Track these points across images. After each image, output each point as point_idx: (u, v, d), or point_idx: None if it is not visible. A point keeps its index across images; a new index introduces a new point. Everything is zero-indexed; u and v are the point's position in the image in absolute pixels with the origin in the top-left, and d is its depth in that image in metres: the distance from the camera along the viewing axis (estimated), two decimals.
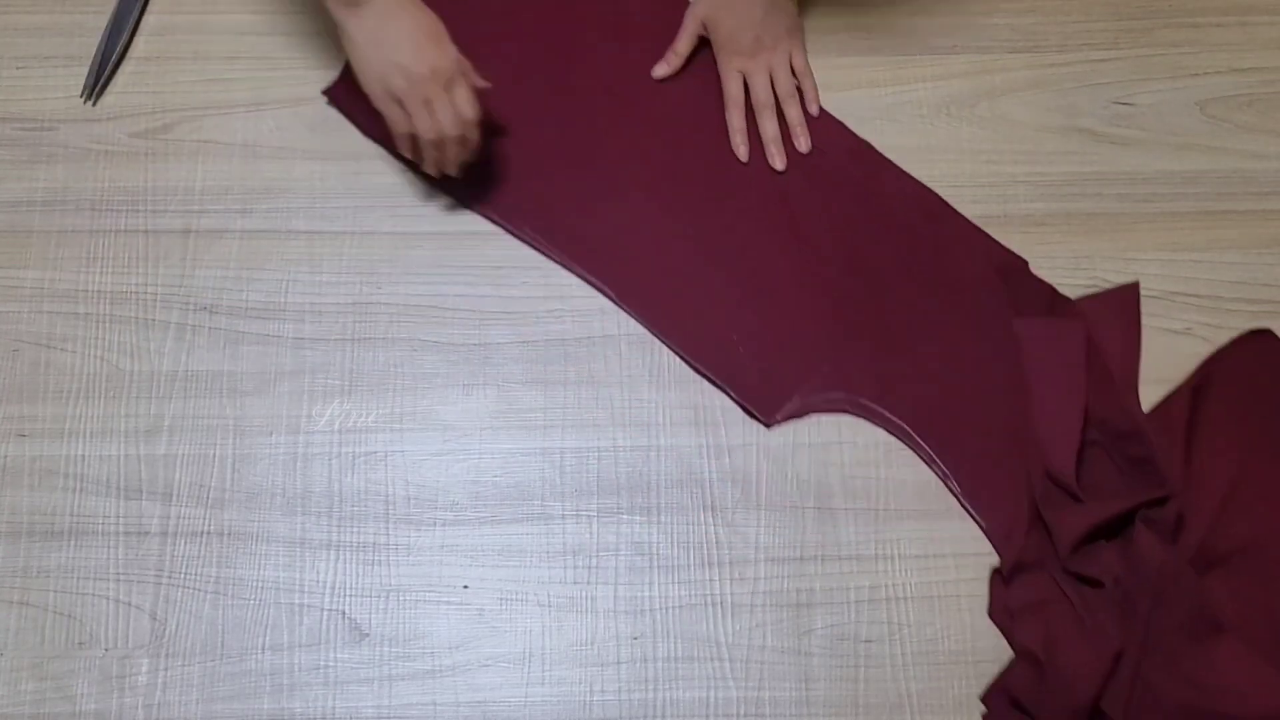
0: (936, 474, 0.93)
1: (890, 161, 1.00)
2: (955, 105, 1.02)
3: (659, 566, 0.91)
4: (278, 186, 0.99)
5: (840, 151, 1.00)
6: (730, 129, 0.99)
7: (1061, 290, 0.97)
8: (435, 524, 0.91)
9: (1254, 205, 1.00)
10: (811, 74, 1.01)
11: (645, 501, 0.92)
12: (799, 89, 1.00)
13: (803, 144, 0.99)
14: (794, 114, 1.00)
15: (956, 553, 0.91)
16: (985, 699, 0.88)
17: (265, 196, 0.98)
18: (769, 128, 0.99)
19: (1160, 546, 0.87)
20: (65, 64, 1.01)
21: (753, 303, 0.96)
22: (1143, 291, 0.97)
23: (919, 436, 0.93)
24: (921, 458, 0.93)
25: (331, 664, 0.88)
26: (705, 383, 0.95)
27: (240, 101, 1.01)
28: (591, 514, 0.92)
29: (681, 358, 0.95)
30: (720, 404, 0.94)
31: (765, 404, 0.94)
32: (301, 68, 1.02)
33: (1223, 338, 0.96)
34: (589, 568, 0.90)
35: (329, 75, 1.01)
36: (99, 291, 0.96)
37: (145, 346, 0.94)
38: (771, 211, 0.98)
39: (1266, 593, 0.88)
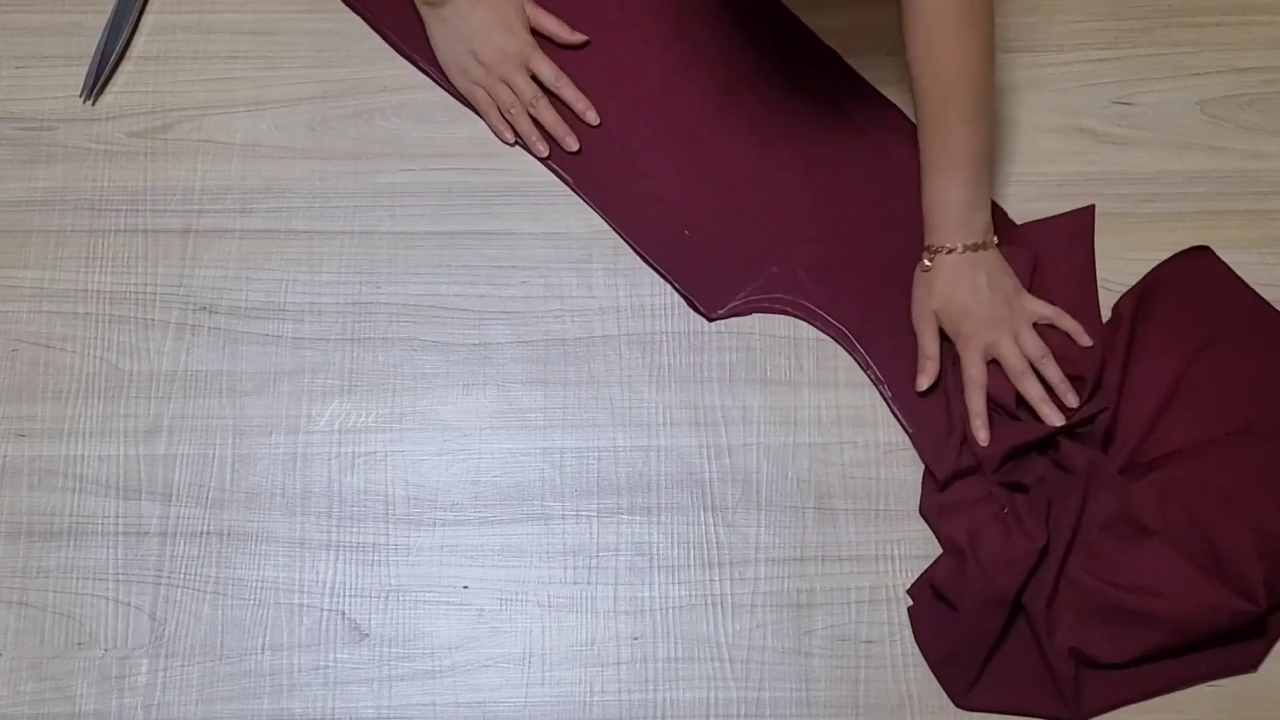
0: (870, 379, 0.94)
1: (862, 78, 1.02)
2: None
3: (659, 566, 0.90)
4: (277, 186, 0.99)
5: (814, 65, 1.02)
6: (970, 412, 0.91)
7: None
8: (435, 524, 0.91)
9: (1255, 205, 1.00)
10: (1061, 312, 0.93)
11: (645, 501, 0.92)
12: (1051, 330, 0.94)
13: (1071, 400, 0.91)
14: (1053, 374, 0.91)
15: None
16: (911, 591, 0.89)
17: (265, 196, 0.98)
18: (1034, 391, 0.91)
19: (1086, 450, 0.89)
20: (65, 64, 1.01)
21: (707, 200, 0.99)
22: None
23: (857, 342, 0.95)
24: (858, 363, 0.95)
25: (331, 664, 0.88)
26: (705, 383, 0.95)
27: (240, 101, 1.01)
28: (591, 514, 0.91)
29: (631, 247, 0.97)
30: (720, 404, 0.94)
31: (709, 299, 0.96)
32: (301, 67, 1.02)
33: None
34: (589, 568, 0.90)
35: (329, 75, 1.01)
36: (98, 291, 0.96)
37: (145, 346, 0.94)
38: (735, 114, 1.00)
39: (1194, 499, 0.88)
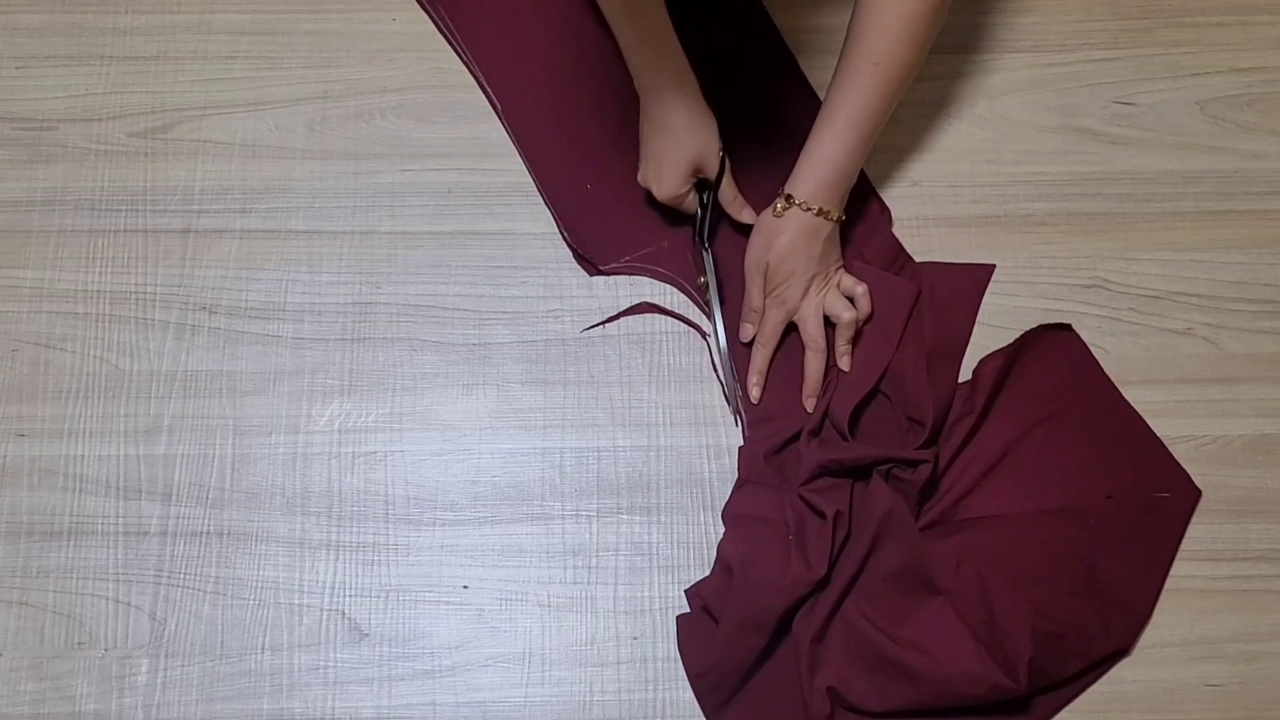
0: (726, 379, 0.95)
1: (807, 83, 1.02)
2: (955, 105, 1.02)
3: (659, 566, 0.90)
4: (277, 186, 0.99)
5: (766, 61, 1.03)
6: (750, 368, 0.95)
7: (1064, 289, 0.97)
8: (435, 524, 0.91)
9: (1254, 205, 1.00)
10: (866, 293, 0.94)
11: (645, 501, 0.92)
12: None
13: (845, 364, 0.94)
14: (843, 334, 0.94)
15: None
16: (687, 592, 0.89)
17: (265, 196, 0.98)
18: (814, 369, 0.93)
19: (890, 495, 0.88)
20: (65, 64, 1.01)
21: (619, 163, 0.99)
22: (1143, 291, 0.97)
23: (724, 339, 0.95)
24: (716, 362, 0.95)
25: (331, 664, 0.88)
26: (705, 383, 0.95)
27: (240, 101, 1.01)
28: (591, 514, 0.91)
29: (538, 190, 0.98)
30: (720, 404, 0.94)
31: (598, 253, 0.97)
32: (301, 68, 1.02)
33: (1223, 338, 0.96)
34: (589, 568, 0.90)
35: (329, 75, 1.01)
36: (98, 291, 0.96)
37: (145, 346, 0.94)
38: None
39: (989, 569, 0.87)
